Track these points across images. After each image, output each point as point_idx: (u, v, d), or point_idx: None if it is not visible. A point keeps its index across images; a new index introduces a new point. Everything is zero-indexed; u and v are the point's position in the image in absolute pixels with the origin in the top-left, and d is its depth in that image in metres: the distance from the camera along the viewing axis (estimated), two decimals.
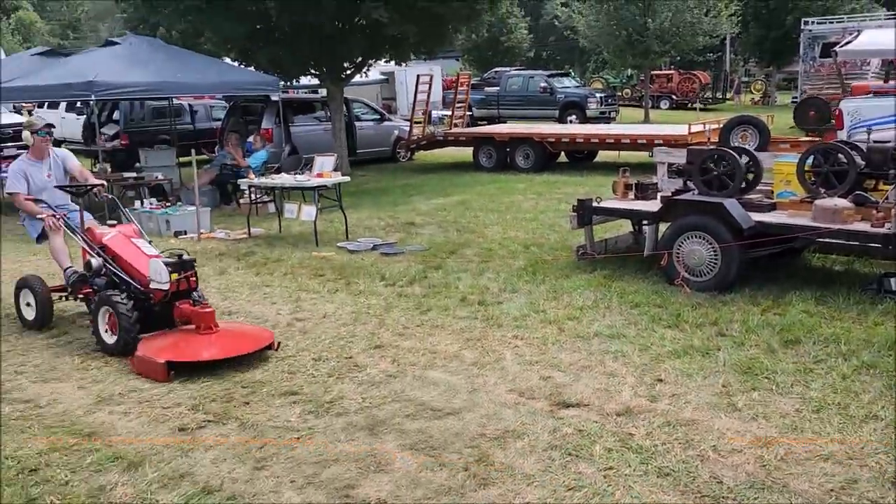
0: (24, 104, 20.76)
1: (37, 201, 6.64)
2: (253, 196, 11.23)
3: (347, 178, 10.92)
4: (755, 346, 5.48)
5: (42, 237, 6.74)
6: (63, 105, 22.25)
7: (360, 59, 16.13)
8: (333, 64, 15.77)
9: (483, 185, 14.54)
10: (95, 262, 6.05)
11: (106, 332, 5.79)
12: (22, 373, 5.56)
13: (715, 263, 6.76)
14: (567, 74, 32.85)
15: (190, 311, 5.61)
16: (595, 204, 7.93)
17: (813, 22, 24.91)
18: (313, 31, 14.67)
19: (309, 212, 9.84)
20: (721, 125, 9.62)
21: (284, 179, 10.32)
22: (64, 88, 11.98)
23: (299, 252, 9.22)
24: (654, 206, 7.63)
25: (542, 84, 27.84)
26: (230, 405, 4.80)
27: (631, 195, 8.15)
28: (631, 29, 27.18)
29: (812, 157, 7.07)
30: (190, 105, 20.05)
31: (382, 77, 27.97)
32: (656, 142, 13.85)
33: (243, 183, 11.11)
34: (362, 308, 6.84)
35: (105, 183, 7.19)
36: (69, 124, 22.77)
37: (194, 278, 5.74)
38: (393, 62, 18.63)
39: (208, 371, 5.37)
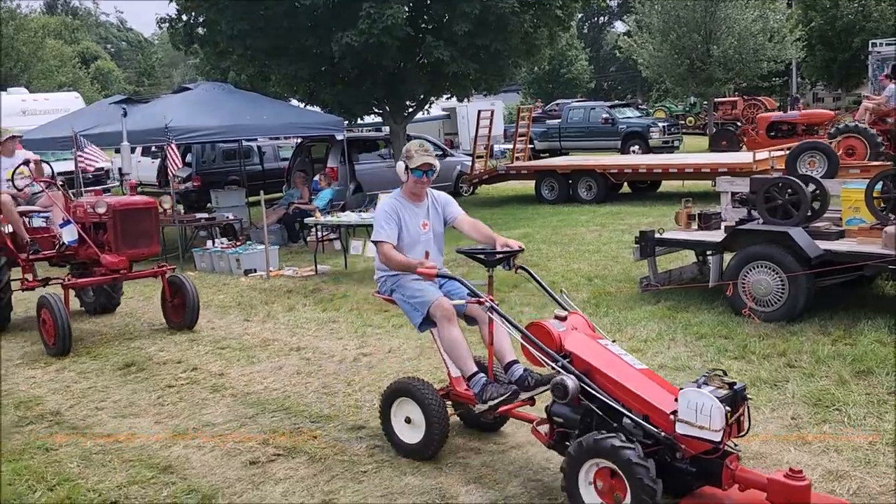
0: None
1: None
2: (319, 234, 11.52)
3: None
4: (825, 378, 5.36)
5: (427, 322, 4.63)
6: (139, 150, 23.21)
7: (421, 96, 16.46)
8: (396, 102, 16.14)
9: (545, 217, 14.57)
10: (571, 383, 3.80)
11: (596, 495, 3.58)
12: (102, 409, 5.81)
13: (782, 293, 6.64)
14: (629, 105, 32.69)
15: (767, 482, 3.40)
16: (658, 235, 7.89)
17: (882, 44, 24.33)
18: (376, 70, 15.08)
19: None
20: (787, 152, 9.49)
21: (349, 217, 10.56)
22: (142, 134, 12.46)
23: (365, 288, 9.39)
24: (717, 236, 7.56)
25: (604, 115, 27.82)
26: (299, 439, 4.93)
27: (694, 225, 8.11)
28: (694, 56, 26.96)
29: (881, 182, 6.92)
30: (258, 146, 20.67)
31: (444, 113, 28.39)
32: (720, 170, 13.70)
33: (310, 221, 11.41)
34: (426, 343, 6.92)
35: (524, 246, 4.86)
36: (144, 168, 23.77)
37: (745, 417, 3.60)
38: (454, 98, 18.93)
39: (278, 405, 5.53)
